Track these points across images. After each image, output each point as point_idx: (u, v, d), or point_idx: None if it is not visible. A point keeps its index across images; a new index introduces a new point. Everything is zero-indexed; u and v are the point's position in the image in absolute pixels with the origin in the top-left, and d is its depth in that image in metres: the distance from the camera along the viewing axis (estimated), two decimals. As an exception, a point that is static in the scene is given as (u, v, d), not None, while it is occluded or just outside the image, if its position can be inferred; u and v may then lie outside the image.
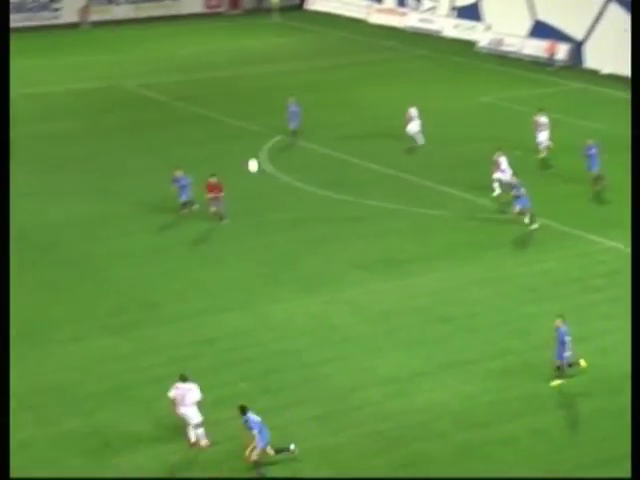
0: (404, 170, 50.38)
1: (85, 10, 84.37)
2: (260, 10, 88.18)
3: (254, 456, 27.29)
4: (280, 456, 27.72)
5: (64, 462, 27.98)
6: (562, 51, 70.94)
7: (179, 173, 44.85)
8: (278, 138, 55.72)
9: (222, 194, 43.96)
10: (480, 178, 48.52)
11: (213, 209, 44.17)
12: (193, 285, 38.81)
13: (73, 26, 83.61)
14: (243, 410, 27.72)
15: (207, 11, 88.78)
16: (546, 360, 31.93)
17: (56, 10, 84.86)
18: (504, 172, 45.51)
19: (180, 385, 28.85)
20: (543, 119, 50.92)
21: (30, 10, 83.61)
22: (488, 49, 75.32)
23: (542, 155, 51.09)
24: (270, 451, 27.65)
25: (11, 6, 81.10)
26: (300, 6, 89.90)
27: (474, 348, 33.97)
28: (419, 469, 27.61)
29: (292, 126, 55.50)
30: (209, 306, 37.13)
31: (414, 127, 53.24)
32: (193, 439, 28.62)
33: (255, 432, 27.31)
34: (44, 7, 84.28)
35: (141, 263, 40.79)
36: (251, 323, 35.87)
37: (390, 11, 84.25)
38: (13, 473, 26.99)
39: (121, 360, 33.55)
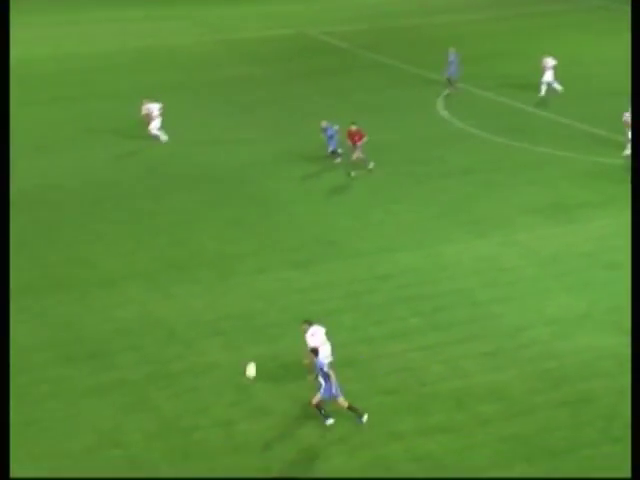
0: (576, 119, 49.36)
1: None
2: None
3: (315, 400, 26.70)
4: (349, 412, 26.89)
5: (246, 386, 28.20)
6: None
7: (325, 123, 44.25)
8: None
9: (362, 141, 43.05)
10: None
11: (355, 156, 43.25)
12: (370, 225, 38.72)
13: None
14: (315, 352, 26.88)
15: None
16: None
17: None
18: None
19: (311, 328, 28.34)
20: None
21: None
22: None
23: None
24: (344, 403, 26.79)
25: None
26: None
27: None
28: (580, 407, 27.09)
29: (447, 74, 54.73)
30: (384, 245, 36.97)
31: (548, 77, 52.11)
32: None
33: (320, 380, 26.61)
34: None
35: (321, 203, 40.85)
36: (424, 262, 35.57)
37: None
38: (200, 393, 27.51)
39: (301, 292, 33.65)
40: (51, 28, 69.40)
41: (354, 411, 26.55)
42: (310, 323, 28.21)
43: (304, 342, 27.88)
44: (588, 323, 31.38)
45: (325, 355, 27.23)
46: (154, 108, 46.83)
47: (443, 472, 24.59)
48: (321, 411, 26.55)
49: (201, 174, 43.52)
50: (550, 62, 52.59)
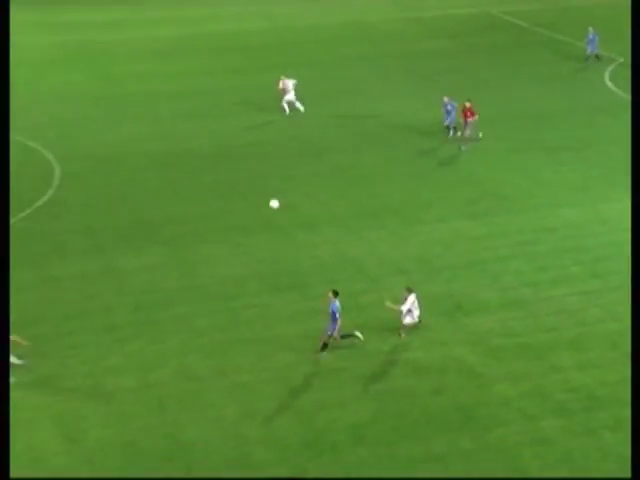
0: None
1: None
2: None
3: (323, 339, 26.67)
4: (346, 340, 26.85)
5: (424, 319, 28.36)
6: None
7: (446, 99, 42.64)
8: (621, 60, 53.44)
9: (473, 118, 41.50)
10: None
11: (467, 132, 41.79)
12: (538, 183, 38.12)
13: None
14: (335, 294, 26.79)
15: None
16: None
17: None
18: None
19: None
20: None
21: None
22: None
23: None
24: (337, 337, 26.70)
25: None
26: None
27: None
28: None
29: (589, 50, 52.94)
30: (551, 201, 36.43)
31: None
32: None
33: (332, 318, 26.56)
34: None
35: (497, 162, 40.40)
36: (586, 217, 34.98)
37: None
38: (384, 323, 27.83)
39: (475, 240, 33.53)
40: (271, 6, 70.13)
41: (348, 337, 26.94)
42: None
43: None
44: None
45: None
46: (289, 83, 46.34)
47: (594, 402, 24.36)
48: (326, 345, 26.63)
49: (387, 133, 43.49)
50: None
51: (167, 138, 43.51)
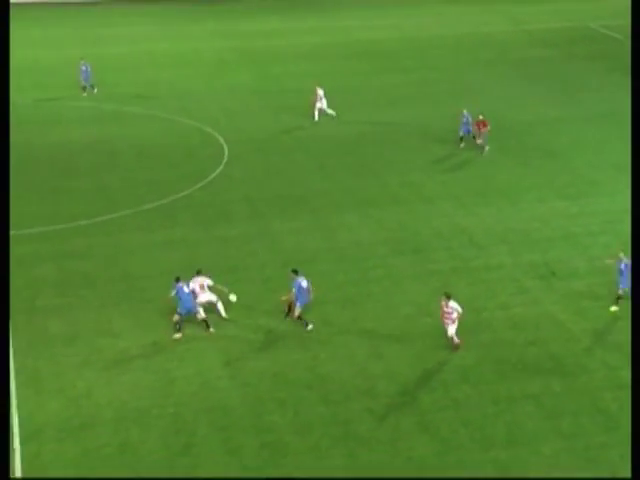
0: None
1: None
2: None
3: (296, 312, 25.57)
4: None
5: (522, 282, 27.93)
6: None
7: (465, 112, 39.76)
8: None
9: (485, 129, 38.99)
10: None
11: (479, 141, 39.14)
12: (624, 171, 36.74)
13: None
14: (295, 272, 25.77)
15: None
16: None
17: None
18: None
19: None
20: None
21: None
22: None
23: None
24: (298, 312, 25.36)
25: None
26: None
27: None
28: None
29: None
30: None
31: None
32: None
33: (294, 291, 25.36)
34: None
35: (591, 152, 39.18)
36: None
37: None
38: (489, 284, 27.47)
39: (569, 218, 32.82)
40: (400, 19, 69.45)
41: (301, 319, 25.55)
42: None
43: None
44: None
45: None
46: (320, 92, 43.79)
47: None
48: (302, 320, 25.59)
49: (503, 128, 42.41)
50: None
51: (312, 126, 43.58)
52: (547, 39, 59.98)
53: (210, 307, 25.96)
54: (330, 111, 43.92)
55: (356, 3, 74.24)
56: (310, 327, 25.56)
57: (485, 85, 49.83)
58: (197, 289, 25.68)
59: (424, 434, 21.23)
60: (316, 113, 43.75)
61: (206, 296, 25.82)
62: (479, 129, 39.64)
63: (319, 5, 73.88)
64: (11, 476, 19.22)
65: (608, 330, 25.25)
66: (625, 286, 25.81)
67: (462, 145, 39.80)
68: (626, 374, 22.86)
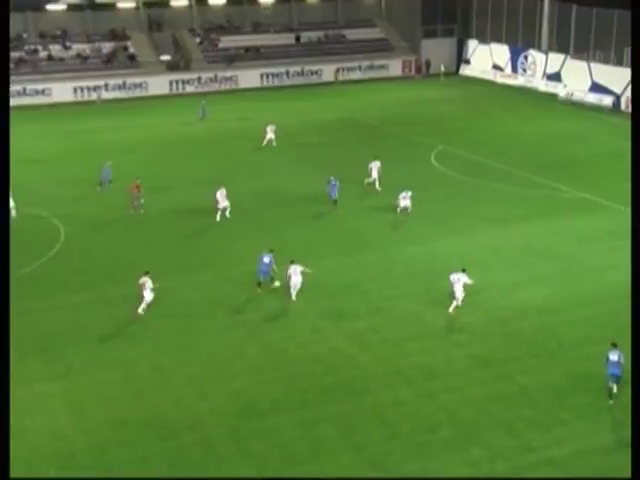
0: (513, 167, 48.79)
1: (336, 74, 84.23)
2: (433, 75, 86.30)
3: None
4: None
5: (317, 324, 28.42)
6: (608, 100, 67.32)
7: (332, 177, 41.29)
8: (441, 147, 54.52)
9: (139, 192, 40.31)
10: (556, 172, 46.99)
11: (136, 202, 40.41)
12: (390, 230, 38.23)
13: (329, 84, 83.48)
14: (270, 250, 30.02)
15: (402, 75, 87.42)
16: (594, 278, 30.55)
17: (320, 74, 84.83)
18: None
19: None
20: None
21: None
22: (565, 99, 71.81)
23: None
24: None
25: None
26: (456, 72, 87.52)
27: (549, 269, 32.95)
28: (515, 338, 26.94)
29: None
30: (399, 241, 36.58)
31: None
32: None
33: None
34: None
35: (362, 215, 40.52)
36: (422, 252, 35.23)
37: (508, 75, 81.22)
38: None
39: (350, 270, 33.37)
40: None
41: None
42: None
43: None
44: (519, 288, 31.15)
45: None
46: (270, 129, 52.90)
47: (432, 375, 24.50)
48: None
49: (287, 198, 43.15)
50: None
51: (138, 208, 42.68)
52: (322, 126, 62.23)
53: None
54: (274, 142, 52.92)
55: (168, 103, 74.30)
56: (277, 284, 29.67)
57: (275, 165, 50.77)
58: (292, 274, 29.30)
59: (245, 458, 21.06)
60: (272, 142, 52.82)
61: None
62: (134, 192, 40.13)
63: (136, 108, 73.16)
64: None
65: (386, 358, 26.04)
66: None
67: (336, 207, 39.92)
68: (404, 392, 23.72)
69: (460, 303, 28.93)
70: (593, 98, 69.15)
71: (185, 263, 34.42)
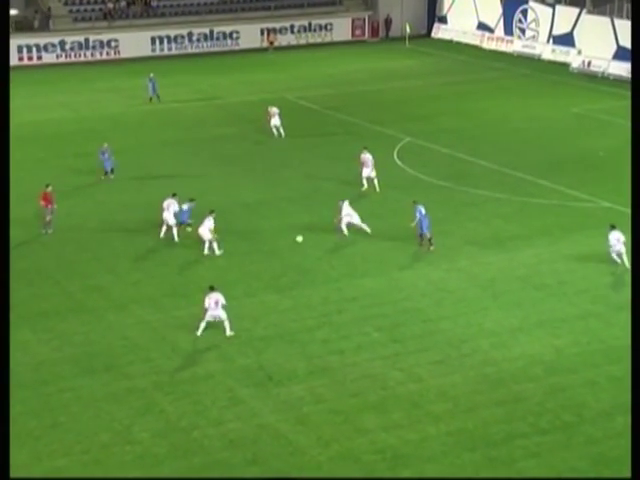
0: (508, 166, 49.83)
1: (269, 38, 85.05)
2: (395, 38, 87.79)
3: None
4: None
5: (236, 392, 28.44)
6: None
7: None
8: (407, 140, 55.43)
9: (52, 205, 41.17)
10: (569, 174, 48.00)
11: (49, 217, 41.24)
12: (337, 255, 38.90)
13: (254, 51, 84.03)
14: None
15: (352, 39, 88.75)
16: (624, 320, 31.33)
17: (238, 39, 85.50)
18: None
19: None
20: None
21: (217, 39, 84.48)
22: (579, 70, 73.73)
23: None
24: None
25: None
26: (428, 35, 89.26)
27: (563, 310, 33.57)
28: (515, 406, 27.46)
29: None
30: (351, 272, 37.20)
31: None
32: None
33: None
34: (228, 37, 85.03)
35: (296, 236, 40.77)
36: (384, 286, 35.87)
37: (499, 39, 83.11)
38: (198, 397, 27.62)
39: (282, 312, 33.88)
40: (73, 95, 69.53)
41: None
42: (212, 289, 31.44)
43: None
44: (520, 335, 31.78)
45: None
46: (275, 111, 56.17)
47: (399, 460, 24.86)
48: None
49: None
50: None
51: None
52: (240, 114, 62.45)
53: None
54: (282, 130, 55.94)
55: (16, 78, 73.39)
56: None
57: (174, 168, 50.63)
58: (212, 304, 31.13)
59: None
60: (274, 130, 55.86)
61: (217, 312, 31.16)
62: (46, 204, 40.72)
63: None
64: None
65: (335, 438, 26.16)
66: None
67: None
68: (358, 484, 23.88)
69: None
70: (619, 68, 70.98)
71: (33, 311, 34.07)
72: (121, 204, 44.99)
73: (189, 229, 40.01)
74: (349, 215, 40.03)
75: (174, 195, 40.65)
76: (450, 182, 47.46)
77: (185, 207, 40.41)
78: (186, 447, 25.68)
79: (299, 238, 38.66)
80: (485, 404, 27.71)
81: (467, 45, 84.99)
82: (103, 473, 24.61)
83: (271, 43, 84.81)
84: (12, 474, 24.33)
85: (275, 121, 56.00)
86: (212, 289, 31.56)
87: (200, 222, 38.80)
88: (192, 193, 45.77)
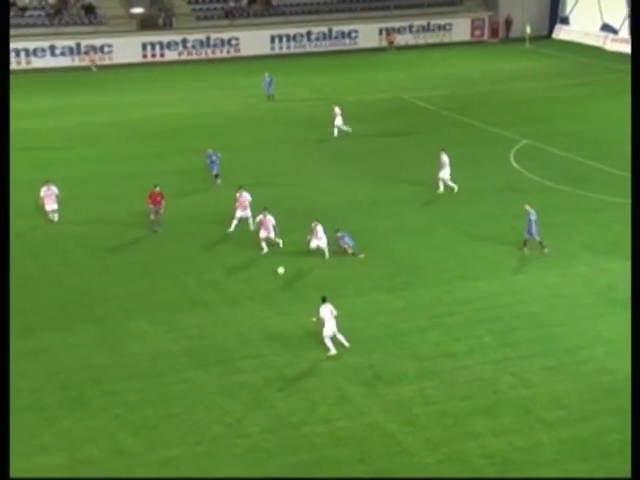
0: (629, 171, 48.68)
1: (389, 37, 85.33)
2: (515, 39, 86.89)
3: None
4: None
5: (346, 390, 28.56)
6: None
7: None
8: (524, 142, 54.81)
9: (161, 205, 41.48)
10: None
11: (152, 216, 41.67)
12: (452, 257, 38.72)
13: (371, 50, 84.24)
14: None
15: (472, 39, 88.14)
16: None
17: (356, 38, 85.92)
18: None
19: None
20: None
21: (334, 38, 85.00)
22: None
23: None
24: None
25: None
26: (548, 36, 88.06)
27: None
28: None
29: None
30: (464, 274, 36.97)
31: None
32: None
33: None
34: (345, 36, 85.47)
35: (410, 237, 40.89)
36: (498, 289, 35.54)
37: (624, 40, 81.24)
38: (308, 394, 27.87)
39: (394, 313, 33.86)
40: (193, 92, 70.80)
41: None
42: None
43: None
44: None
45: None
46: (337, 111, 56.37)
47: (509, 467, 24.62)
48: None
49: (309, 212, 43.71)
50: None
51: (92, 221, 43.25)
52: (357, 113, 62.61)
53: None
54: (346, 127, 55.85)
55: (140, 75, 75.09)
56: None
57: (289, 165, 51.17)
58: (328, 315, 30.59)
59: None
60: (335, 130, 56.04)
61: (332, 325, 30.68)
62: (154, 204, 40.97)
63: (95, 79, 74.15)
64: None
65: (444, 441, 26.04)
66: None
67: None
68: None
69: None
70: None
71: (151, 303, 34.78)
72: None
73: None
74: (320, 239, 38.46)
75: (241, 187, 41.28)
76: (568, 186, 46.76)
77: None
78: (295, 443, 25.90)
79: (280, 270, 36.59)
80: (600, 413, 27.22)
81: (589, 47, 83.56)
82: (214, 465, 25.00)
83: (391, 43, 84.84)
84: (128, 462, 25.05)
85: (338, 121, 56.16)
86: (324, 300, 31.06)
87: (262, 222, 38.79)
88: (307, 192, 46.29)
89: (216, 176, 47.59)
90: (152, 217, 41.44)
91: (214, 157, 47.28)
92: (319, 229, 38.43)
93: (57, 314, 33.86)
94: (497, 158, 47.97)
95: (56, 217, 42.16)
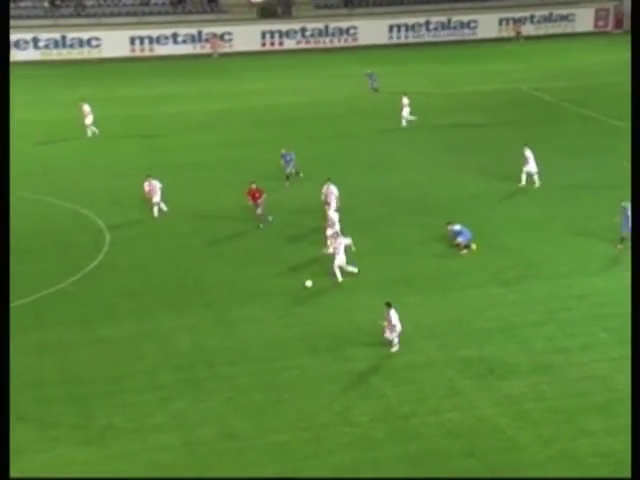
0: None
1: (516, 28, 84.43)
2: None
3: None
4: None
5: (456, 382, 28.35)
6: None
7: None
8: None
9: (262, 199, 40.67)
10: None
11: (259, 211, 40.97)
12: (567, 251, 38.02)
13: (491, 41, 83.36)
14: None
15: (595, 30, 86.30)
16: None
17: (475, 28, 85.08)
18: None
19: None
20: None
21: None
22: None
23: None
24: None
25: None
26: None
27: None
28: None
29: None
30: (580, 269, 36.28)
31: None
32: None
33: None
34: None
35: (525, 230, 40.30)
36: (615, 286, 34.60)
37: None
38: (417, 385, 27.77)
39: (507, 306, 33.44)
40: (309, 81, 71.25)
41: None
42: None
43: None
44: None
45: None
46: (405, 102, 56.35)
47: (624, 467, 24.07)
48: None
49: (421, 202, 43.54)
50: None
51: (209, 207, 43.78)
52: (473, 103, 62.02)
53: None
54: (412, 117, 56.17)
55: (259, 63, 75.72)
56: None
57: (405, 155, 50.95)
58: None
59: None
60: (403, 121, 56.37)
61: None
62: (254, 199, 40.58)
63: (215, 66, 75.07)
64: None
65: (556, 437, 25.63)
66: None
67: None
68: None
69: None
70: None
71: (264, 289, 35.04)
72: (364, 190, 45.35)
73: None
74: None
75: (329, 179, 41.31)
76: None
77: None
78: (404, 433, 25.81)
79: (308, 283, 34.59)
80: None
81: None
82: (323, 452, 25.09)
83: (518, 33, 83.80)
84: (239, 445, 25.33)
85: (405, 112, 56.11)
86: (389, 306, 30.35)
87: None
88: (422, 182, 46.08)
89: (287, 177, 46.35)
90: (258, 211, 41.00)
91: (288, 157, 46.59)
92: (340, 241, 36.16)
93: (172, 297, 34.42)
94: (618, 152, 46.77)
95: (164, 207, 42.47)
